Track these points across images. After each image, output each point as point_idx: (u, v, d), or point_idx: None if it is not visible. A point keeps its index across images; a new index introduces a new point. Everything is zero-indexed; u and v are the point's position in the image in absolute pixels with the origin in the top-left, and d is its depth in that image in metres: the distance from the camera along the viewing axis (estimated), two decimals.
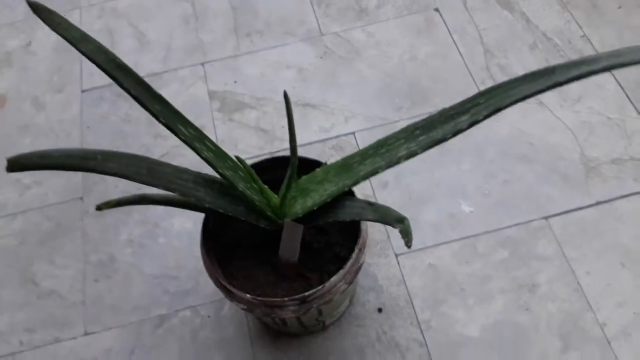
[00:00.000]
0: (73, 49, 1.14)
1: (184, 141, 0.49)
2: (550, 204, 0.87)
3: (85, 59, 1.11)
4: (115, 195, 0.92)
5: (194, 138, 0.50)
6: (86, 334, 0.81)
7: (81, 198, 0.92)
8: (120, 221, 0.89)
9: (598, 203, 0.86)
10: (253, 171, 0.57)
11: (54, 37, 1.14)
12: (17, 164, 0.44)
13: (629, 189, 0.87)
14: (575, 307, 0.78)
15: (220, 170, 0.53)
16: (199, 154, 0.51)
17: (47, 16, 0.44)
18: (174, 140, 0.97)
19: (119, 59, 0.44)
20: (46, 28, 1.21)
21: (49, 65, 1.10)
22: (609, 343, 0.75)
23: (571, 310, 0.78)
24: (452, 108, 0.53)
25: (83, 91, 1.05)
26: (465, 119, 0.51)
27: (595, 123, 0.94)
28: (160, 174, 0.53)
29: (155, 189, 0.59)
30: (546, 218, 0.86)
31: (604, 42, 1.03)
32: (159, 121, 0.46)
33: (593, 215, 0.85)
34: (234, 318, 0.80)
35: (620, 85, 0.97)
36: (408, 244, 0.48)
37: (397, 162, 0.55)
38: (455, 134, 0.52)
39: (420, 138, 0.54)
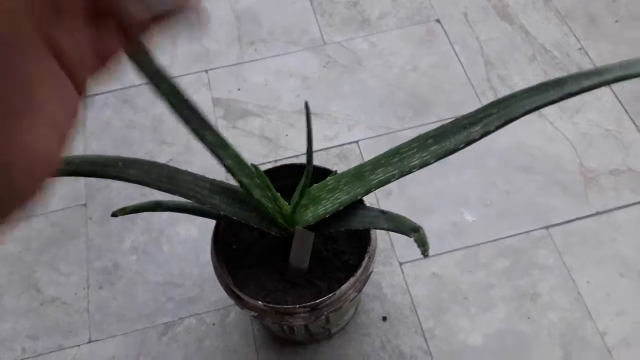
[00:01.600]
0: None
1: (209, 149, 0.49)
2: (550, 214, 0.88)
3: None
4: (119, 201, 0.92)
5: (218, 145, 0.50)
6: (90, 341, 0.80)
7: (85, 204, 0.92)
8: (125, 228, 0.89)
9: (597, 213, 0.88)
10: (268, 179, 0.58)
11: None
12: None
13: (626, 200, 0.89)
14: (576, 316, 0.80)
15: (239, 178, 0.53)
16: (221, 162, 0.51)
17: None
18: (178, 147, 0.98)
19: (159, 63, 0.43)
20: None
21: None
22: (609, 352, 0.76)
23: (572, 319, 0.79)
24: (464, 118, 0.53)
25: (86, 96, 1.05)
26: (477, 129, 0.52)
27: (594, 135, 0.96)
28: (180, 182, 0.53)
29: (167, 195, 0.59)
30: (547, 228, 0.87)
31: (601, 55, 1.05)
32: (189, 127, 0.46)
33: (592, 225, 0.87)
34: (240, 326, 0.80)
35: (617, 97, 0.99)
36: (425, 252, 0.48)
37: (410, 171, 0.55)
38: (467, 144, 0.53)
39: (433, 147, 0.55)
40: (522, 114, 0.47)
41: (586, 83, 0.45)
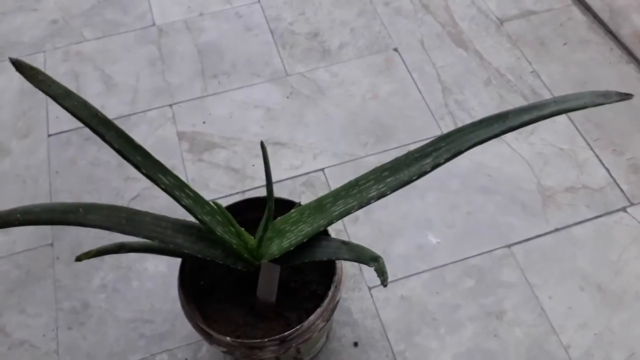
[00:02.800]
0: (38, 93, 1.14)
1: (164, 190, 0.50)
2: (511, 233, 0.91)
3: (51, 102, 1.10)
4: (86, 240, 0.91)
5: (174, 186, 0.51)
6: None
7: (51, 244, 0.91)
8: (93, 266, 0.89)
9: (556, 230, 0.91)
10: (230, 215, 0.59)
11: (17, 81, 1.14)
12: None
13: (582, 215, 0.93)
14: (541, 331, 0.82)
15: (199, 217, 0.54)
16: (179, 202, 0.53)
17: (30, 73, 0.45)
18: (144, 182, 0.98)
19: (102, 113, 0.46)
20: (8, 73, 1.21)
21: (13, 109, 1.09)
22: None
23: (537, 334, 0.82)
24: (416, 151, 0.56)
25: (49, 135, 1.05)
26: (428, 161, 0.55)
27: (549, 154, 1.00)
28: (140, 224, 0.54)
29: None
30: (509, 246, 0.90)
31: (552, 76, 1.10)
32: (141, 172, 0.48)
33: (552, 242, 0.90)
34: None
35: (570, 118, 1.04)
36: (384, 282, 0.50)
37: (368, 202, 0.58)
38: (420, 175, 0.56)
39: (389, 179, 0.57)
40: (468, 147, 0.50)
41: (526, 117, 0.48)
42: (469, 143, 0.49)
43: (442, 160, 0.51)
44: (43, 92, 0.45)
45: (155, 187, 0.97)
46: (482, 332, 0.82)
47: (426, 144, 0.53)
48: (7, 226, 0.46)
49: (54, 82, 0.45)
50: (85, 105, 0.46)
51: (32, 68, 0.45)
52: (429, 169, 0.52)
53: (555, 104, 0.47)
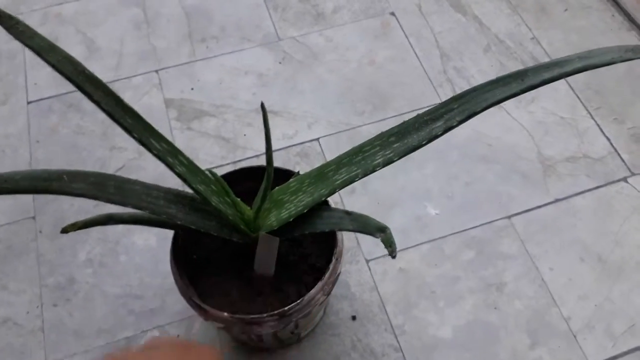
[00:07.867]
0: (15, 58, 1.08)
1: (156, 156, 0.46)
2: (511, 203, 0.89)
3: (29, 68, 1.04)
4: (70, 213, 0.87)
5: (167, 152, 0.48)
6: None
7: (33, 217, 0.87)
8: (78, 240, 0.85)
9: (556, 200, 0.89)
10: (226, 184, 0.56)
11: None
12: None
13: (583, 185, 0.91)
14: (541, 303, 0.81)
15: (194, 186, 0.51)
16: (172, 169, 0.49)
17: (10, 23, 0.40)
18: (130, 152, 0.93)
19: (88, 70, 0.41)
20: None
21: None
22: (574, 337, 0.78)
23: (537, 306, 0.80)
24: (426, 114, 0.53)
25: (29, 102, 0.99)
26: (439, 124, 0.51)
27: (550, 123, 0.97)
28: (129, 192, 0.50)
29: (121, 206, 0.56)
30: (509, 217, 0.88)
31: (553, 43, 1.07)
32: (132, 136, 0.44)
33: (552, 212, 0.88)
34: (206, 336, 0.77)
35: (570, 86, 1.01)
36: (392, 253, 0.47)
37: (374, 170, 0.54)
38: (430, 140, 0.52)
39: (396, 145, 0.53)
40: (483, 108, 0.47)
41: (546, 75, 0.45)
42: (484, 103, 0.46)
43: (455, 123, 0.47)
44: (24, 44, 0.40)
45: (142, 158, 0.93)
46: (482, 304, 0.80)
47: (437, 105, 0.49)
48: None
49: (35, 33, 0.41)
50: (70, 60, 0.41)
51: (11, 17, 0.40)
52: (440, 132, 0.48)
53: (579, 60, 0.43)
